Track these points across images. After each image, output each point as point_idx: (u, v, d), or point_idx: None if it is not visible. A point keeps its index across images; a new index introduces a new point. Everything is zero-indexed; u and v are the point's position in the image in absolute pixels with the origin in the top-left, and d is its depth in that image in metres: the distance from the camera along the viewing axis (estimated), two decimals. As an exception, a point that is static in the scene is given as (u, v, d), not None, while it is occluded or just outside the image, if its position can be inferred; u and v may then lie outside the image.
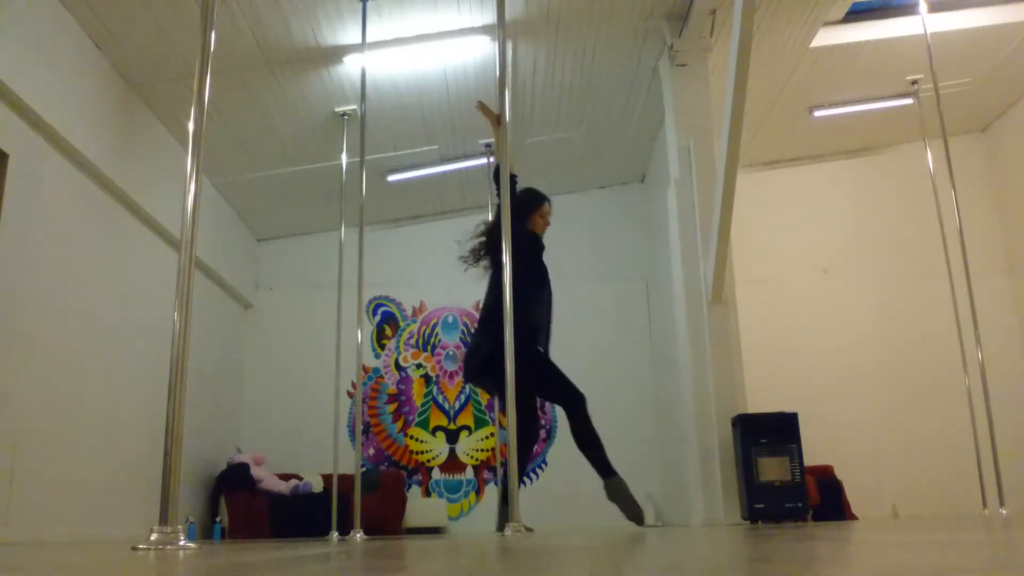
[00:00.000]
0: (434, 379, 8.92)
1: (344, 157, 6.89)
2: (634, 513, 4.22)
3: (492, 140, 7.64)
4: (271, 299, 9.06)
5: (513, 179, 4.43)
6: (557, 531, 5.00)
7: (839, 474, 7.23)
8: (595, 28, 6.47)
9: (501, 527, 4.07)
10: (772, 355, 8.20)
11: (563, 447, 7.81)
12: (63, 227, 5.26)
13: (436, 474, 8.66)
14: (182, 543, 2.21)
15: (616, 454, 8.21)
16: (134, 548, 2.20)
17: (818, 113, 8.34)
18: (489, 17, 6.06)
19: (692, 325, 6.26)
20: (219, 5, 5.18)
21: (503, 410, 3.97)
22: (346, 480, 6.09)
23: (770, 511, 5.53)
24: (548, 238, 4.88)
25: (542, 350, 4.44)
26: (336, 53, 6.21)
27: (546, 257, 4.73)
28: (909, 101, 8.01)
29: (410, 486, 8.54)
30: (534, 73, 6.95)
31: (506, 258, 3.56)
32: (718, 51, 6.62)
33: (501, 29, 4.26)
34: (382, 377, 8.89)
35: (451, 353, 9.01)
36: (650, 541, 2.69)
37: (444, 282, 9.09)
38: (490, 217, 5.07)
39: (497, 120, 4.29)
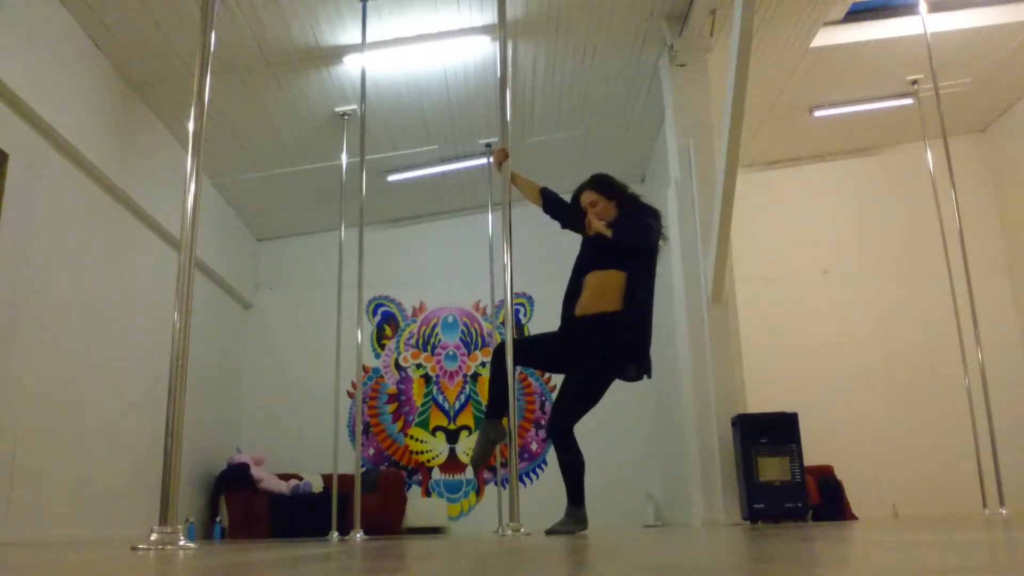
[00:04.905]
0: (434, 379, 8.92)
1: (344, 157, 6.89)
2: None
3: (492, 140, 7.67)
4: (271, 299, 9.06)
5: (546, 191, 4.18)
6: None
7: (839, 474, 7.22)
8: (595, 28, 6.47)
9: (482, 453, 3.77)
10: (772, 355, 8.19)
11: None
12: (63, 227, 5.26)
13: (436, 474, 8.66)
14: (182, 543, 2.21)
15: (616, 454, 8.25)
16: (134, 548, 2.21)
17: (818, 113, 8.34)
18: (489, 17, 6.06)
19: (692, 325, 6.26)
20: (219, 5, 5.18)
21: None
22: (346, 480, 6.10)
23: (770, 511, 5.52)
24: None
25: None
26: (336, 53, 6.21)
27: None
28: (909, 101, 8.01)
29: (410, 486, 8.54)
30: (534, 73, 6.95)
31: (508, 268, 3.55)
32: (718, 51, 6.62)
33: (502, 29, 4.26)
34: (382, 377, 8.89)
35: (451, 353, 9.01)
36: (650, 541, 2.69)
37: (444, 282, 9.11)
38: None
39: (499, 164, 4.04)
